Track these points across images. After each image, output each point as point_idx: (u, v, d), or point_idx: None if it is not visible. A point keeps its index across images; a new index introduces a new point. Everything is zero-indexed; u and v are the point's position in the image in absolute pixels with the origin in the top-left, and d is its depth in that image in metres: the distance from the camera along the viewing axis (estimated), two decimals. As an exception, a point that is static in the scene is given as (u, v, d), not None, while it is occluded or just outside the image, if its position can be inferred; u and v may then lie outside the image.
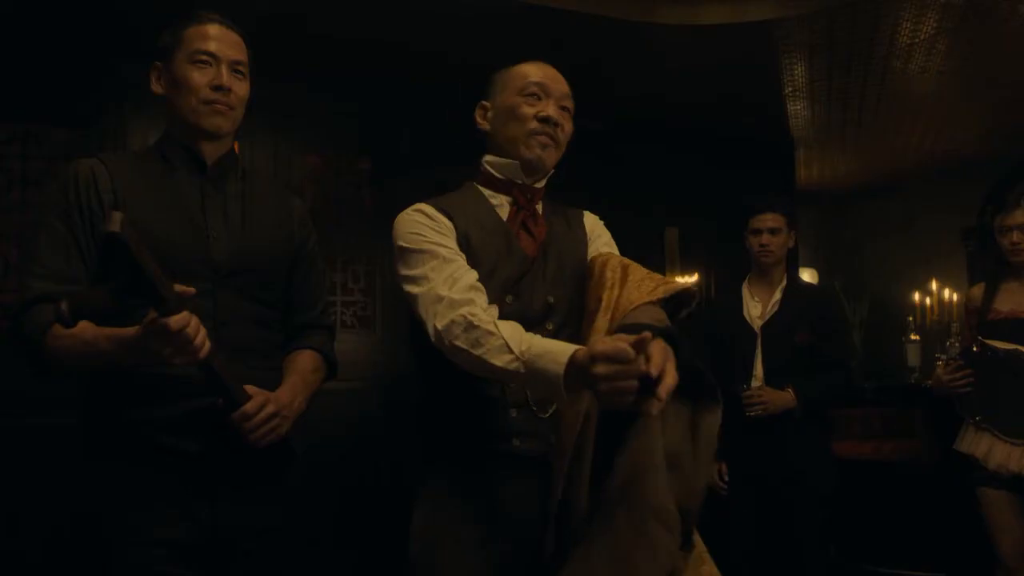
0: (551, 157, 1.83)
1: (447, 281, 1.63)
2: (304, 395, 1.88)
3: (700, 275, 5.51)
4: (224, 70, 1.82)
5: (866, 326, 6.79)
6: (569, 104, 1.86)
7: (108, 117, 3.96)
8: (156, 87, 1.86)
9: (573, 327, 1.80)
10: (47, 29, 3.74)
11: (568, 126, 1.86)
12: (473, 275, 1.67)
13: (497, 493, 1.70)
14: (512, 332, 1.51)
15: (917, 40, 4.01)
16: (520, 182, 1.84)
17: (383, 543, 3.76)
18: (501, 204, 1.84)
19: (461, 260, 1.69)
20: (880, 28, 3.90)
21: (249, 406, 1.70)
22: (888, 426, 4.49)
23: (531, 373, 1.46)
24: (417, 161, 4.54)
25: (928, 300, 6.16)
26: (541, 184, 1.87)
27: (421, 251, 1.70)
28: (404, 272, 1.72)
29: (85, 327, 1.62)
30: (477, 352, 1.52)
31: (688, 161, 5.36)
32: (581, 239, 1.91)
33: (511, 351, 1.48)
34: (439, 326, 1.58)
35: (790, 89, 4.76)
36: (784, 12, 3.76)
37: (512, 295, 1.74)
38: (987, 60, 4.32)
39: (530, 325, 1.64)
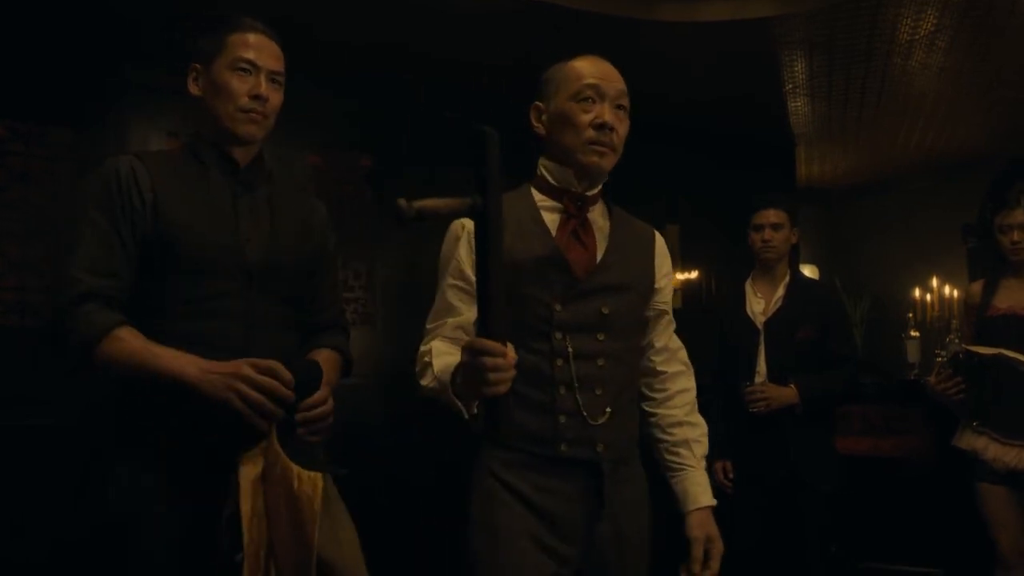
0: (608, 163, 1.80)
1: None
2: (328, 389, 1.89)
3: (701, 272, 5.53)
4: (263, 79, 1.85)
5: (866, 323, 6.80)
6: (625, 102, 1.81)
7: (109, 116, 3.97)
8: (193, 88, 1.88)
9: (629, 339, 1.85)
10: (49, 29, 3.75)
11: (624, 127, 1.82)
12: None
13: (546, 494, 1.74)
14: (440, 357, 1.67)
15: (917, 37, 4.02)
16: (573, 190, 1.82)
17: (380, 540, 3.76)
18: (552, 211, 1.83)
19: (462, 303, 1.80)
20: (880, 25, 3.91)
21: (318, 396, 1.76)
22: (888, 422, 4.50)
23: (441, 387, 1.63)
24: (417, 159, 4.56)
25: (928, 297, 6.16)
26: (594, 191, 1.85)
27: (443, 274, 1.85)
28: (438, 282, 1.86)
29: (150, 346, 1.67)
30: (418, 380, 1.73)
31: (689, 158, 5.38)
32: (647, 256, 1.91)
33: (433, 373, 1.66)
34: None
35: (790, 86, 4.77)
36: (784, 9, 3.77)
37: (560, 304, 1.75)
38: (987, 58, 4.33)
39: (581, 334, 1.76)
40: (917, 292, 6.29)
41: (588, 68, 1.80)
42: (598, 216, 1.87)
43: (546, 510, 1.73)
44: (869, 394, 4.69)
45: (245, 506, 1.64)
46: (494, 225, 1.32)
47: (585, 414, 1.74)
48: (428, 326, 1.82)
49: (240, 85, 1.83)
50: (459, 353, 1.60)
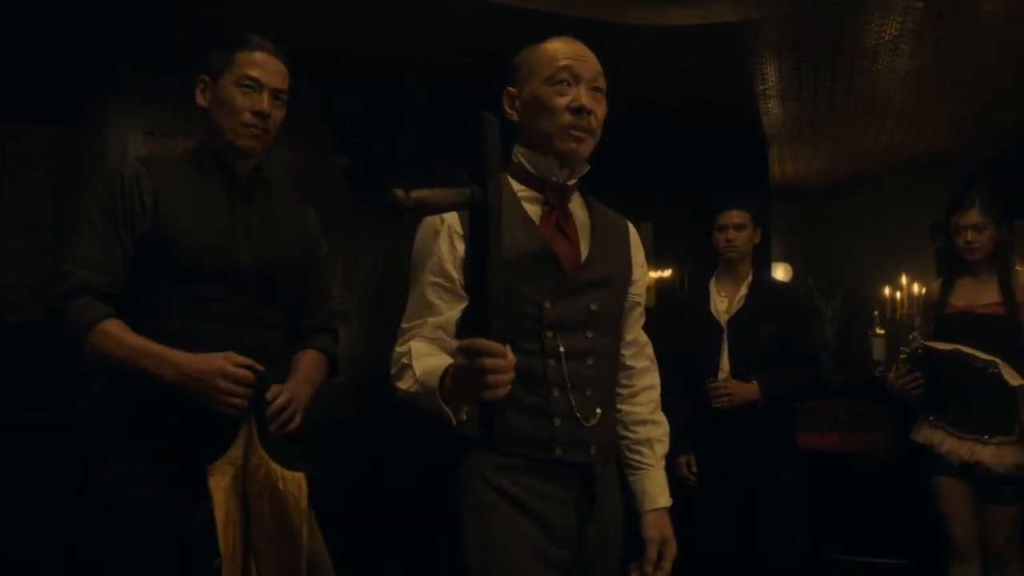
0: (587, 148, 1.73)
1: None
2: (308, 388, 2.01)
3: (674, 270, 5.60)
4: (266, 97, 1.95)
5: (838, 320, 6.90)
6: (601, 83, 1.74)
7: (89, 115, 4.00)
8: (200, 99, 1.98)
9: (614, 336, 1.82)
10: (29, 27, 3.77)
11: (602, 110, 1.74)
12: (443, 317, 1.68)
13: (541, 498, 1.69)
14: (421, 359, 1.57)
15: (881, 41, 4.09)
16: (555, 179, 1.75)
17: (356, 539, 3.81)
18: (532, 201, 1.75)
19: (444, 302, 1.69)
20: (845, 30, 3.97)
21: (271, 391, 1.85)
22: (854, 418, 4.59)
23: (425, 391, 1.51)
24: (392, 159, 4.61)
25: (898, 294, 6.26)
26: (574, 180, 1.78)
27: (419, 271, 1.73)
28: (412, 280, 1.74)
29: (134, 343, 1.78)
30: (395, 383, 1.63)
31: (662, 157, 5.45)
32: (625, 248, 1.87)
33: (414, 376, 1.54)
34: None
35: (761, 88, 4.83)
36: (748, 14, 3.83)
37: (550, 302, 1.68)
38: (951, 61, 4.40)
39: (572, 333, 1.70)
40: (887, 290, 6.39)
41: (562, 49, 1.72)
42: (576, 207, 1.81)
43: (540, 515, 1.68)
44: (836, 391, 4.79)
45: (219, 513, 1.71)
46: (494, 218, 1.22)
47: (579, 415, 1.69)
48: (404, 326, 1.71)
49: (244, 101, 1.93)
50: (441, 354, 1.57)
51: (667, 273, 5.53)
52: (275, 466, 1.80)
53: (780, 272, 7.15)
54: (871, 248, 7.18)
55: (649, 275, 5.33)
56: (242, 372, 1.77)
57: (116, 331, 1.78)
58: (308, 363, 2.06)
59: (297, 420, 1.92)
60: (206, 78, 1.97)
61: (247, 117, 1.93)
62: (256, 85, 1.94)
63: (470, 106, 1.16)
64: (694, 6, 3.88)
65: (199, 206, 1.92)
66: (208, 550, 1.72)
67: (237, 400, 1.76)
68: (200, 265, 1.86)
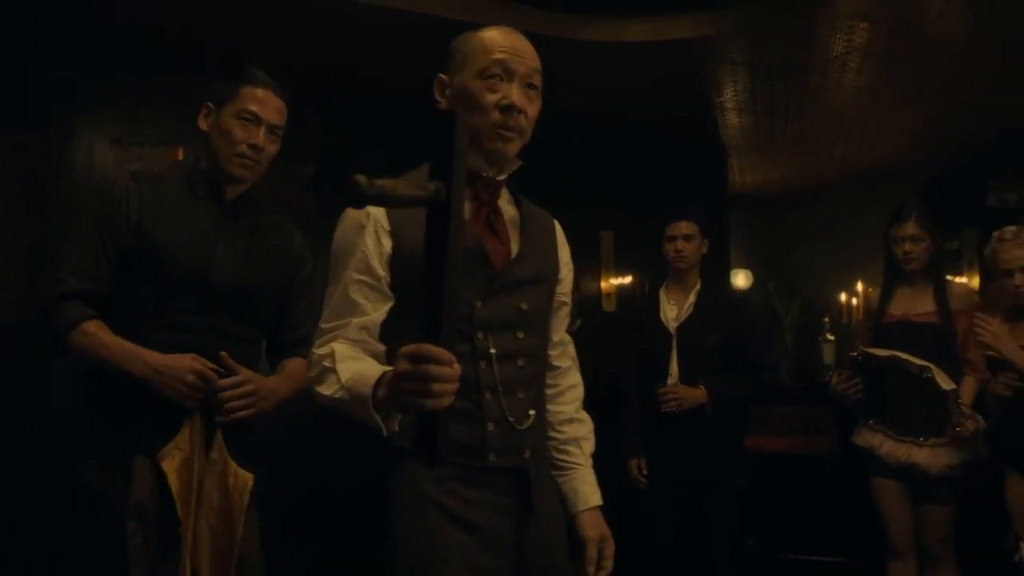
0: (514, 148, 1.64)
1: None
2: (289, 386, 2.16)
3: (634, 278, 5.71)
4: (262, 132, 2.08)
5: (796, 327, 7.03)
6: (536, 80, 1.64)
7: (56, 121, 4.03)
8: (202, 123, 2.11)
9: (543, 335, 1.76)
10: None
11: (534, 108, 1.65)
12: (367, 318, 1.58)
13: (475, 507, 1.61)
14: (346, 362, 1.48)
15: (830, 58, 4.23)
16: (484, 175, 1.65)
17: (312, 542, 3.87)
18: None
19: (369, 301, 1.59)
20: (794, 47, 4.11)
21: (228, 380, 1.99)
22: (806, 422, 4.71)
23: (352, 397, 1.42)
24: (360, 168, 4.68)
25: (854, 301, 6.39)
26: (504, 177, 1.70)
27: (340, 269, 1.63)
28: (332, 277, 1.65)
29: (110, 343, 1.95)
30: (315, 387, 1.53)
31: (623, 166, 5.55)
32: (553, 245, 1.81)
33: (339, 381, 1.45)
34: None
35: (718, 101, 4.96)
36: (703, 31, 3.96)
37: (481, 301, 1.61)
38: (900, 76, 4.55)
39: (503, 334, 1.63)
40: (843, 297, 6.53)
41: (498, 41, 1.62)
42: (505, 203, 1.74)
43: (476, 525, 1.60)
44: (794, 396, 4.92)
45: (175, 488, 1.89)
46: (456, 217, 1.15)
47: (511, 419, 1.62)
48: (323, 326, 1.60)
49: (241, 133, 2.05)
50: (367, 359, 1.50)
51: (627, 280, 5.63)
52: (232, 463, 1.99)
53: (741, 279, 7.28)
54: (829, 256, 7.32)
55: (610, 282, 5.45)
56: (208, 372, 1.94)
57: (96, 331, 1.95)
58: (292, 368, 2.19)
59: (254, 409, 2.04)
60: (210, 105, 2.10)
61: (242, 148, 2.05)
62: (255, 119, 2.07)
63: (436, 118, 1.18)
64: (650, 23, 4.00)
65: (185, 223, 2.04)
66: (168, 522, 1.91)
67: (199, 396, 1.94)
68: (180, 279, 1.99)
